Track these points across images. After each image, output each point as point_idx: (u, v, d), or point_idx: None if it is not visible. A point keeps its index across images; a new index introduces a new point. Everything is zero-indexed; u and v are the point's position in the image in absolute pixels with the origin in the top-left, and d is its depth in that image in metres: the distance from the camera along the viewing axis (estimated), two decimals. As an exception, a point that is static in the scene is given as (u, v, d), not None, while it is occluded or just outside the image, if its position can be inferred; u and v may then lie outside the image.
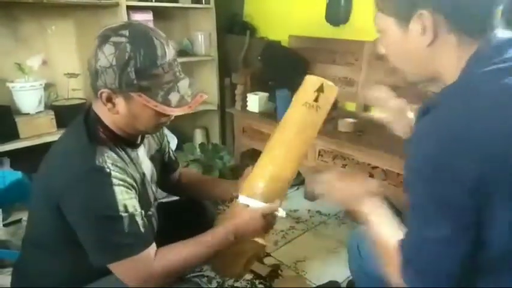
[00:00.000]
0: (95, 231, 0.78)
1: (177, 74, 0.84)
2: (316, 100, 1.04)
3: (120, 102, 0.80)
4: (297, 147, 1.05)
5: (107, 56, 0.76)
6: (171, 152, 1.17)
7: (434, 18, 0.62)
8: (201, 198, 1.23)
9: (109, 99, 0.80)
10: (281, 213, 0.99)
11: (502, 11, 0.63)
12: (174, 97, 0.81)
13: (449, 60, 0.65)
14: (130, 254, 0.78)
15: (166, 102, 0.80)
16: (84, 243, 0.80)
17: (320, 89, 1.04)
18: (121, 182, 0.80)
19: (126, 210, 0.79)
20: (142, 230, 0.81)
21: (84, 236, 0.80)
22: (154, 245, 0.84)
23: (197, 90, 0.87)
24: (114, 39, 0.77)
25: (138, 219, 0.81)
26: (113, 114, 0.83)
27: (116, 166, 0.80)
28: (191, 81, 0.87)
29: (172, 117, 0.89)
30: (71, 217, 0.79)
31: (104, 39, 0.77)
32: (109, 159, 0.80)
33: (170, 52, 0.81)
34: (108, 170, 0.78)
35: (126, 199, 0.79)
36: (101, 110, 0.85)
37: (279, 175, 1.01)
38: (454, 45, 0.64)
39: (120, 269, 0.79)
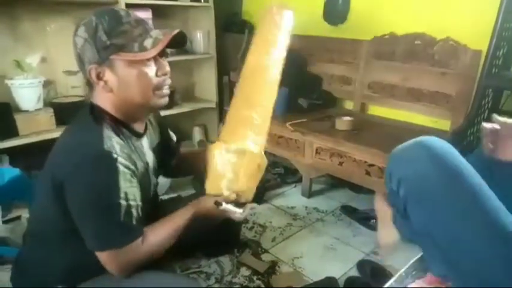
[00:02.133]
0: (91, 216, 0.79)
1: (148, 28, 0.86)
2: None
3: (107, 74, 0.83)
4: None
5: (81, 35, 0.82)
6: (171, 137, 1.21)
7: None
8: (192, 174, 1.36)
9: (98, 76, 0.83)
10: (239, 213, 0.96)
11: None
12: (148, 42, 0.83)
13: None
14: (120, 244, 0.80)
15: (143, 50, 0.83)
16: (80, 228, 0.81)
17: None
18: (126, 170, 0.81)
19: (126, 199, 0.80)
20: (134, 222, 0.83)
21: (80, 220, 0.81)
22: (142, 231, 0.86)
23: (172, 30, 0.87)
24: (83, 22, 0.83)
25: (134, 210, 0.82)
26: (108, 92, 0.85)
27: (123, 152, 0.82)
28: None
29: (168, 77, 0.90)
30: (71, 200, 0.79)
31: (76, 27, 0.84)
32: (116, 145, 0.81)
33: (135, 15, 0.86)
34: (115, 156, 0.79)
35: (128, 187, 0.81)
36: (101, 99, 0.87)
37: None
38: None
39: (110, 257, 0.81)
